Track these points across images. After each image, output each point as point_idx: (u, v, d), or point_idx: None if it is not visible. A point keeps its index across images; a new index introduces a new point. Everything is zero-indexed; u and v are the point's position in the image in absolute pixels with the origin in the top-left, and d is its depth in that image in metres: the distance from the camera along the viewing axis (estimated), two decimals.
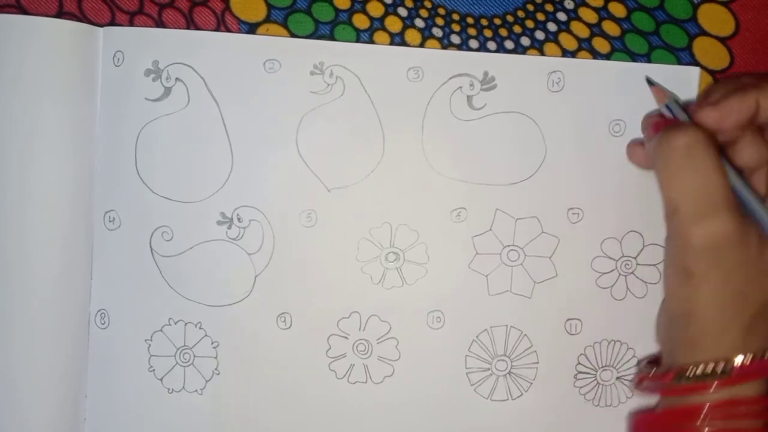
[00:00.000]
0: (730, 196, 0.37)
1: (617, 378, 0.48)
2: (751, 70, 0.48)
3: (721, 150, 0.40)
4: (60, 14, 0.47)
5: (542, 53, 0.48)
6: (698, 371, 0.37)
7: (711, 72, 0.48)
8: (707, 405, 0.38)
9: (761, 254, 0.37)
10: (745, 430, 0.38)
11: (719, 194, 0.37)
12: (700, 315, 0.38)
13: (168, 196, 0.47)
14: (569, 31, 0.48)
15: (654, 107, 0.46)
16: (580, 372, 0.48)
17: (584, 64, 0.47)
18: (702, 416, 0.38)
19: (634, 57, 0.48)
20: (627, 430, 0.47)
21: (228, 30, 0.48)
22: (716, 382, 0.37)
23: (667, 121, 0.42)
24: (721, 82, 0.43)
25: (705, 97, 0.41)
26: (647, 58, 0.48)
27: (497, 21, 0.48)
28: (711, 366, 0.37)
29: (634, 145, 0.46)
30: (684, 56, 0.48)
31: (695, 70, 0.47)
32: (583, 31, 0.48)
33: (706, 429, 0.38)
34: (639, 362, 0.47)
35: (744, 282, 0.37)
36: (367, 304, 0.48)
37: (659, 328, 0.44)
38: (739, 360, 0.37)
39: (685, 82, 0.47)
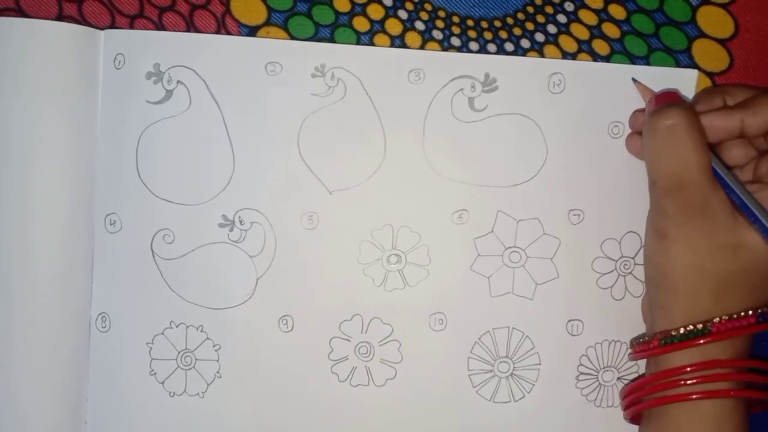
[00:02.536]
0: (701, 173, 0.40)
1: (618, 379, 0.48)
2: (751, 72, 0.48)
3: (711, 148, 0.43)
4: (60, 17, 0.47)
5: (542, 55, 0.48)
6: (681, 332, 0.41)
7: (710, 74, 0.48)
8: (685, 366, 0.41)
9: (730, 228, 0.40)
10: (721, 391, 0.41)
11: (689, 172, 0.40)
12: (669, 275, 0.41)
13: (169, 198, 0.47)
14: (569, 33, 0.48)
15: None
16: (581, 373, 0.48)
17: (584, 66, 0.47)
18: (680, 375, 0.41)
19: (633, 59, 0.48)
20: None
21: (228, 33, 0.48)
22: (699, 340, 0.40)
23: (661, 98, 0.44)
24: (711, 93, 0.44)
25: (694, 104, 0.44)
26: (646, 60, 0.48)
27: (497, 23, 0.48)
28: (691, 327, 0.41)
29: (632, 136, 0.47)
30: (683, 58, 0.48)
31: (693, 73, 0.47)
32: (582, 33, 0.48)
33: (685, 390, 0.41)
34: (631, 341, 0.47)
35: (710, 250, 0.40)
36: (368, 307, 0.48)
37: (643, 306, 0.47)
38: (717, 319, 0.40)
39: (683, 84, 0.47)
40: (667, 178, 0.41)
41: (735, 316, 0.40)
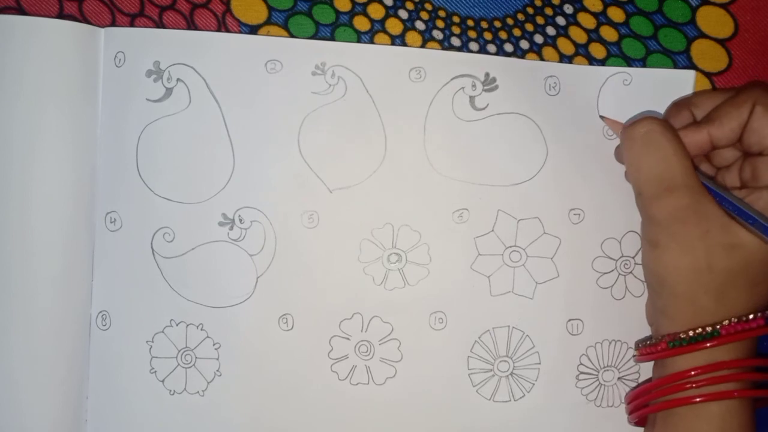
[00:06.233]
0: (687, 175, 0.41)
1: (619, 378, 0.48)
2: (750, 72, 0.48)
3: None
4: (60, 16, 0.47)
5: (541, 57, 0.48)
6: (690, 334, 0.41)
7: (708, 75, 0.48)
8: (692, 369, 0.41)
9: (725, 228, 0.40)
10: (727, 392, 0.40)
11: (674, 175, 0.41)
12: (666, 282, 0.41)
13: (169, 197, 0.47)
14: (567, 36, 0.48)
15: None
16: (582, 372, 0.48)
17: (579, 69, 0.48)
18: (688, 379, 0.41)
19: (629, 62, 0.48)
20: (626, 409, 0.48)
21: (229, 32, 0.48)
22: (708, 343, 0.40)
23: None
24: (678, 107, 0.45)
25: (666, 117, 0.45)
26: (643, 62, 0.48)
27: (497, 24, 0.48)
28: (699, 330, 0.40)
29: (619, 147, 0.47)
30: (681, 60, 0.48)
31: (690, 74, 0.48)
32: (580, 37, 0.48)
33: (692, 392, 0.41)
34: (636, 343, 0.47)
35: (706, 253, 0.40)
36: (369, 305, 0.48)
37: (647, 308, 0.47)
38: (726, 321, 0.40)
39: (680, 85, 0.47)
40: (653, 185, 0.41)
41: (744, 318, 0.40)
